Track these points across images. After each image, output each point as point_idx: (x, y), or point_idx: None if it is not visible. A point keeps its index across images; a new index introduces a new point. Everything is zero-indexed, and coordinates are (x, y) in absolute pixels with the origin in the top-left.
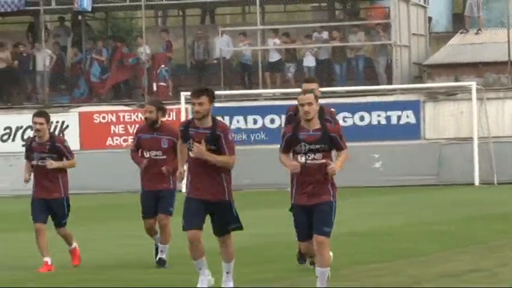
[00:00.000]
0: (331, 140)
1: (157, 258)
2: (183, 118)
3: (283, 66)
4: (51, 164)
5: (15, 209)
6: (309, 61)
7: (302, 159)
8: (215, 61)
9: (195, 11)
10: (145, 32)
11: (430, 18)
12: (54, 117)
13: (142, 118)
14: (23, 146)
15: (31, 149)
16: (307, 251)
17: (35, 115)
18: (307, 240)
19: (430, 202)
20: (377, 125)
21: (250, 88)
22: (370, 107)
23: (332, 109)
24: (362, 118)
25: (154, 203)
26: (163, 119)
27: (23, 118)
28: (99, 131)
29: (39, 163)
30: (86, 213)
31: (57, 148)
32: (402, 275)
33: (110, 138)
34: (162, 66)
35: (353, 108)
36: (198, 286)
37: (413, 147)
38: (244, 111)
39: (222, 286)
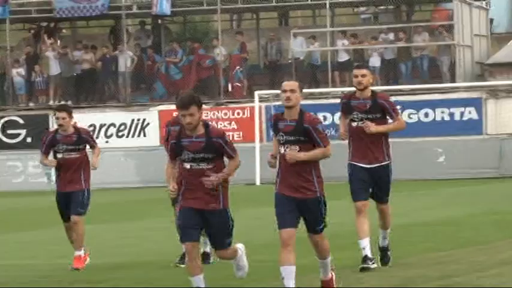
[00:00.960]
0: (306, 132)
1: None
2: (257, 116)
3: (351, 66)
4: (96, 164)
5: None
6: (375, 61)
7: (281, 150)
8: (289, 61)
9: (268, 14)
10: (221, 34)
11: (491, 20)
12: (136, 115)
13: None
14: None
15: (56, 141)
16: (289, 238)
17: (57, 110)
18: (290, 227)
19: (491, 193)
20: (441, 121)
21: (319, 87)
22: (434, 104)
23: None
24: (426, 115)
25: None
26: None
27: (106, 116)
28: None
29: (65, 155)
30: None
31: (83, 139)
32: (465, 263)
33: None
34: (238, 67)
35: (418, 106)
36: None
37: (475, 142)
38: (315, 109)
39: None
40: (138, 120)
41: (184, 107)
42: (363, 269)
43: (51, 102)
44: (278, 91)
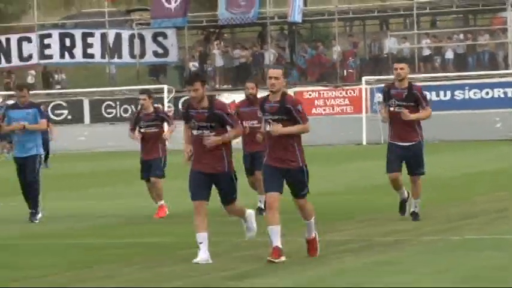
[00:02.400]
0: (287, 111)
1: None
2: (364, 95)
3: (432, 58)
4: (167, 135)
5: None
6: (450, 54)
7: (267, 127)
8: (386, 55)
9: (372, 21)
10: (337, 37)
11: None
12: None
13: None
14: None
15: (139, 118)
16: (274, 201)
17: (139, 93)
18: (275, 191)
19: None
20: (497, 97)
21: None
22: (493, 86)
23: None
24: (487, 93)
25: (253, 163)
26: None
27: None
28: (307, 104)
29: (146, 130)
30: None
31: (160, 117)
32: None
33: (313, 109)
34: (350, 58)
35: (481, 86)
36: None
37: None
38: None
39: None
40: None
41: (189, 83)
42: (412, 214)
43: (217, 86)
44: (380, 77)
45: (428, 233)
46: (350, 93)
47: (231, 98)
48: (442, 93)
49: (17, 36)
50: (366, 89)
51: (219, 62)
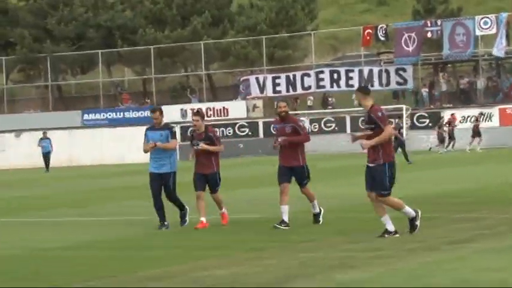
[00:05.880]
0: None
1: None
2: None
3: None
4: (202, 146)
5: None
6: None
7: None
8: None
9: None
10: None
11: None
12: None
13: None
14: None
15: (193, 137)
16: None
17: (193, 115)
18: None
19: None
20: None
21: None
22: None
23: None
24: None
25: (290, 175)
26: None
27: None
28: (506, 117)
29: (199, 147)
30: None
31: (209, 136)
32: None
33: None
34: None
35: None
36: None
37: None
38: None
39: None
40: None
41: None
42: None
43: (443, 105)
44: None
45: None
46: None
47: (458, 113)
48: None
49: (300, 73)
50: None
51: (444, 88)
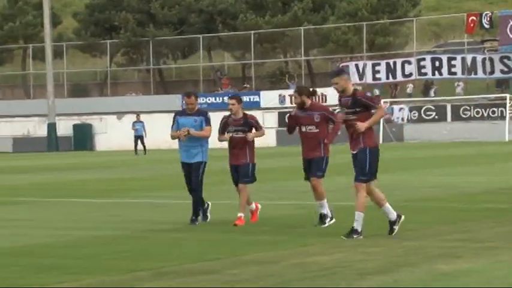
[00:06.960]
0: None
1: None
2: None
3: None
4: (250, 135)
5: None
6: None
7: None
8: None
9: None
10: None
11: None
12: None
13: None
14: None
15: (227, 123)
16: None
17: (229, 98)
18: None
19: None
20: None
21: None
22: None
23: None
24: None
25: (310, 167)
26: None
27: None
28: None
29: (233, 135)
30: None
31: (249, 123)
32: None
33: None
34: None
35: None
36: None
37: None
38: None
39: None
40: None
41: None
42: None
43: None
44: None
45: None
46: None
47: None
48: None
49: (400, 60)
50: None
51: None
